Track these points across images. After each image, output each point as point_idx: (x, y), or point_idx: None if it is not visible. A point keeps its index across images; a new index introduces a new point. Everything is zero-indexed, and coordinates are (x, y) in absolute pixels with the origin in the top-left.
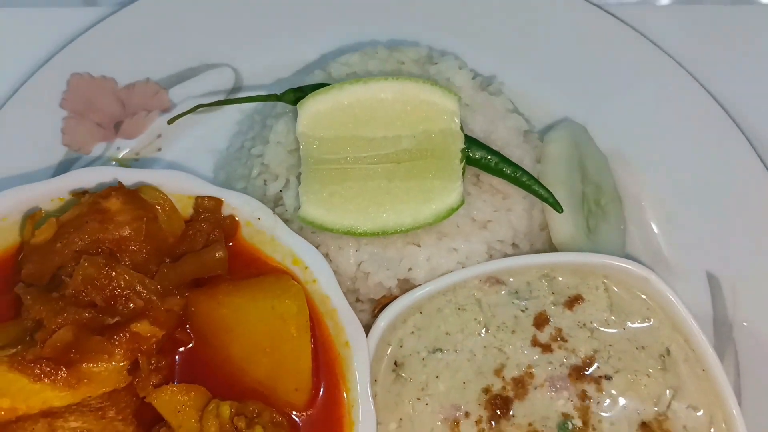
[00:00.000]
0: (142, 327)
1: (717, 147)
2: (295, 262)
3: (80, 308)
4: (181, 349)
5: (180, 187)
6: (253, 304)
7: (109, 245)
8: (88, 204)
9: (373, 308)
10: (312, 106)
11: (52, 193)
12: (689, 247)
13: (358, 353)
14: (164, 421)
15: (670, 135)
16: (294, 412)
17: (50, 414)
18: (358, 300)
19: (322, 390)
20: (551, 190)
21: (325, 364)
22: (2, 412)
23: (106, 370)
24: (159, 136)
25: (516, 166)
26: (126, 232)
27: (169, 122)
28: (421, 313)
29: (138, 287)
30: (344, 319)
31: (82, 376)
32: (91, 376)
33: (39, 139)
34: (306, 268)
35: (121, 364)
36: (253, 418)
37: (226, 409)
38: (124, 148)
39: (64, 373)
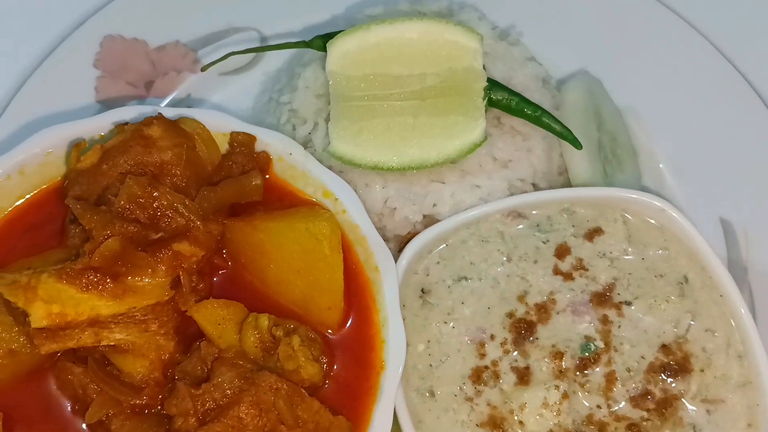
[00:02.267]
0: (183, 247)
1: (727, 100)
2: (325, 195)
3: (126, 222)
4: (219, 272)
5: (215, 124)
6: (288, 227)
7: (152, 169)
8: (131, 131)
9: (399, 245)
10: (341, 46)
11: (95, 128)
12: (702, 195)
13: (387, 276)
14: (204, 337)
15: (681, 90)
16: (328, 332)
17: (96, 323)
18: (384, 239)
19: (353, 312)
20: None
21: (356, 289)
22: (53, 316)
23: (150, 285)
24: (188, 95)
25: (536, 106)
26: (168, 156)
27: (203, 69)
28: (446, 244)
29: (180, 207)
30: (373, 245)
31: (127, 288)
32: (135, 289)
33: (74, 96)
34: (336, 199)
35: (164, 279)
36: (290, 332)
37: (264, 320)
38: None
39: (110, 285)
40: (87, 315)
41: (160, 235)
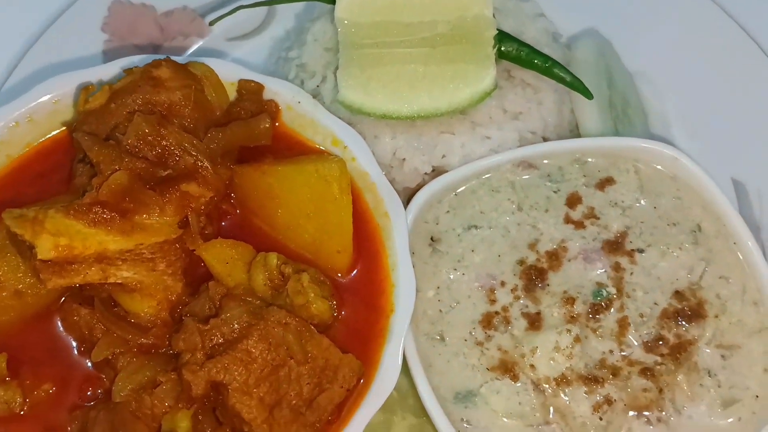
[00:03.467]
0: (192, 187)
1: (737, 62)
2: (334, 143)
3: (134, 158)
4: (228, 218)
5: (224, 73)
6: (297, 170)
7: (160, 109)
8: (140, 72)
9: (408, 198)
10: None
11: (104, 75)
12: (714, 156)
13: (397, 222)
14: (212, 279)
15: (692, 53)
16: (338, 275)
17: (104, 259)
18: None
19: (363, 257)
20: None
21: (366, 235)
22: (60, 248)
23: (158, 223)
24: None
25: (547, 57)
26: (176, 97)
27: (211, 23)
28: (455, 194)
29: (188, 146)
30: (383, 192)
31: (135, 225)
32: (143, 226)
33: (81, 59)
34: (345, 147)
35: (171, 218)
36: (300, 270)
37: (273, 258)
38: None
39: (118, 221)
40: (94, 249)
41: (168, 172)
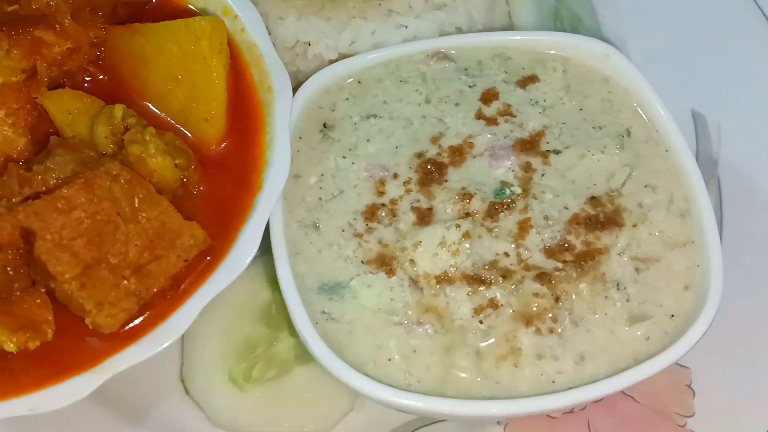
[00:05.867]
0: (47, 35)
1: None
2: (225, 12)
3: None
4: (91, 80)
5: None
6: (167, 26)
7: None
8: None
9: None
10: None
11: None
12: (674, 87)
13: (281, 97)
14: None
15: None
16: (212, 148)
17: None
18: (297, 83)
19: (239, 134)
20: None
21: (246, 111)
22: None
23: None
24: None
25: None
26: None
27: None
28: (359, 82)
29: None
30: (269, 65)
31: None
32: None
33: None
34: (236, 17)
35: (16, 64)
36: (147, 125)
37: (119, 110)
38: None
39: None
40: None
41: (14, 7)
